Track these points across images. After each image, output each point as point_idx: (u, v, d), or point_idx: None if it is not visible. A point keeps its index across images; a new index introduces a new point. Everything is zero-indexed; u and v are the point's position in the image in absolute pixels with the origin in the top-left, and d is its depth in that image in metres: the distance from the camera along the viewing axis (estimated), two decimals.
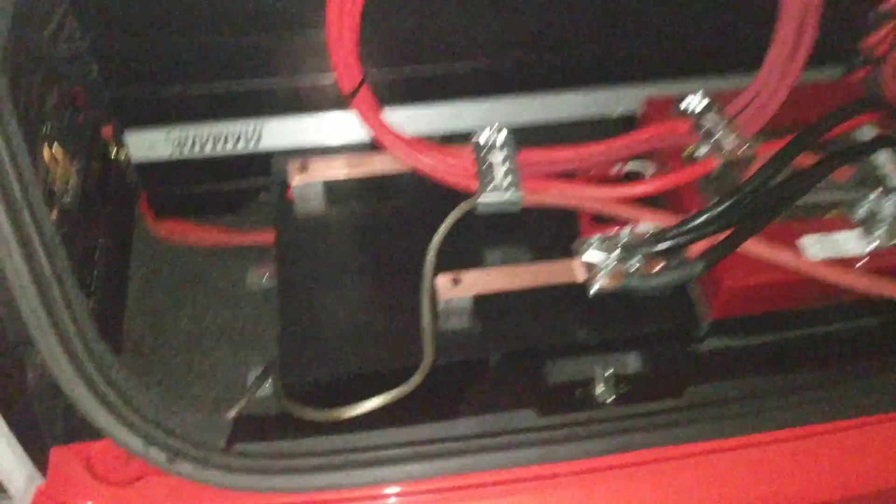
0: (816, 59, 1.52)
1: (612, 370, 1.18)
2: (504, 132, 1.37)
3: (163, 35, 1.32)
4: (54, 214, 1.28)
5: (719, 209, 1.21)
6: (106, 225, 1.47)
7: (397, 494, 1.05)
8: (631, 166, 1.42)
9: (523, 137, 1.41)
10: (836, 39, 1.52)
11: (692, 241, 1.21)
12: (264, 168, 1.45)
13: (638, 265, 1.22)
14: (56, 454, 1.05)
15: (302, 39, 1.32)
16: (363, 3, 1.23)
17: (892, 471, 1.12)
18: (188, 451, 1.05)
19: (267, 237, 1.43)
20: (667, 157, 1.38)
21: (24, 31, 1.17)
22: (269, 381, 1.27)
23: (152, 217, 1.61)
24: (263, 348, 1.45)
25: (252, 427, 1.17)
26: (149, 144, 1.45)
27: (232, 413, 1.18)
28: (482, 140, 1.37)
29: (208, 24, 1.31)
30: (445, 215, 1.28)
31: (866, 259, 1.24)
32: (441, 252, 1.27)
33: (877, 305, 1.27)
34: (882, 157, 1.34)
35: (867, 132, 1.38)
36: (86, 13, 1.27)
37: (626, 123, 1.50)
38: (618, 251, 1.23)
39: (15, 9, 1.10)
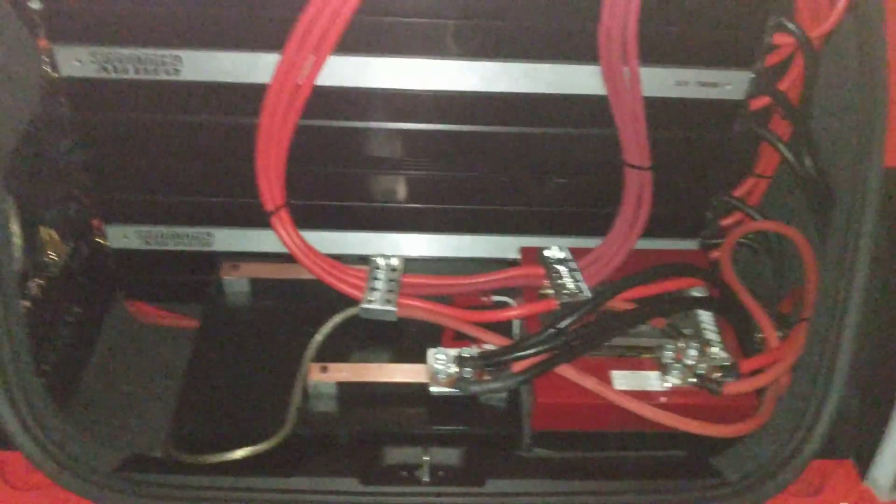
0: (683, 232, 1.86)
1: (432, 458, 1.43)
2: (397, 259, 1.71)
3: (142, 163, 1.72)
4: (42, 281, 1.66)
5: (537, 339, 1.50)
6: (84, 296, 1.83)
7: None
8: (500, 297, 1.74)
9: (422, 266, 1.75)
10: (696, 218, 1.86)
11: (513, 361, 1.49)
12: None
13: (467, 375, 1.50)
14: None
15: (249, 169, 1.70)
16: (289, 143, 1.60)
17: None
18: (78, 469, 1.35)
19: None
20: (527, 293, 1.69)
21: (38, 143, 1.58)
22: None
23: (124, 297, 1.98)
24: None
25: (142, 462, 1.45)
26: (124, 235, 1.83)
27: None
28: (379, 262, 1.70)
29: (177, 164, 1.72)
30: None
31: (666, 396, 1.50)
32: (328, 345, 1.59)
33: (674, 438, 1.51)
34: (699, 316, 1.62)
35: (697, 293, 1.67)
36: (86, 139, 1.67)
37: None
38: (454, 362, 1.52)
39: (28, 127, 1.51)
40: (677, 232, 1.85)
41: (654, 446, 1.54)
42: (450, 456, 1.47)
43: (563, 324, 1.51)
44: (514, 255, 1.83)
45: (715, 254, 1.86)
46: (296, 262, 1.70)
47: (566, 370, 1.49)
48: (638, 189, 1.69)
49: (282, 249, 1.71)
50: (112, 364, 1.91)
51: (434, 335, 1.63)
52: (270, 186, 1.62)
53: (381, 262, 1.70)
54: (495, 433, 1.54)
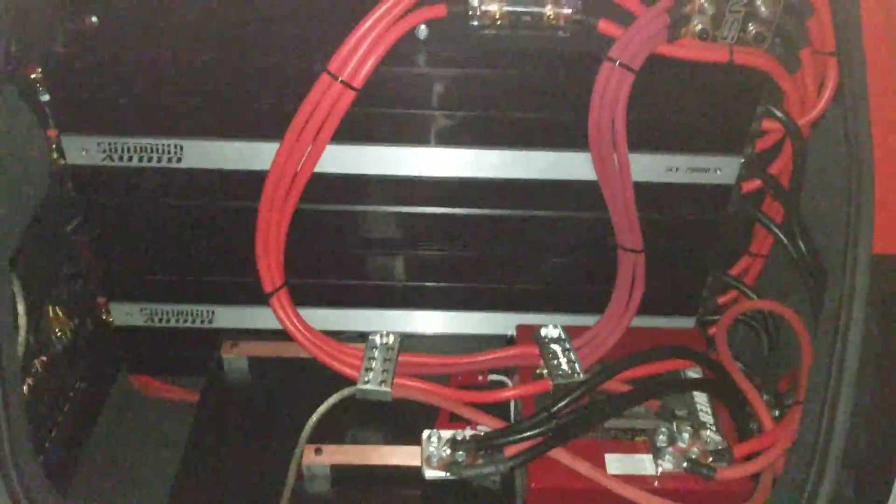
0: (679, 310, 1.87)
1: None
2: (393, 337, 1.73)
3: (145, 244, 1.76)
4: (46, 358, 1.70)
5: (530, 422, 1.50)
6: (88, 372, 1.86)
7: None
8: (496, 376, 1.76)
9: (420, 343, 1.78)
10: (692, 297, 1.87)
11: (505, 445, 1.50)
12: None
13: (460, 458, 1.51)
14: None
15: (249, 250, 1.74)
16: (287, 227, 1.64)
17: None
18: None
19: None
20: (523, 372, 1.70)
21: (47, 226, 1.63)
22: None
23: (128, 371, 2.01)
24: None
25: None
26: (127, 313, 1.86)
27: None
28: (376, 341, 1.72)
29: (180, 245, 1.76)
30: None
31: (659, 480, 1.50)
32: (323, 424, 1.60)
33: None
34: (694, 397, 1.62)
35: (692, 373, 1.68)
36: (91, 221, 1.72)
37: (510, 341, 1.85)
38: (447, 445, 1.53)
39: (36, 211, 1.56)
40: (674, 310, 1.86)
41: None
42: None
43: (556, 407, 1.51)
44: (510, 331, 1.84)
45: (711, 331, 1.87)
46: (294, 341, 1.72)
47: (560, 454, 1.49)
48: (632, 270, 1.71)
49: (281, 327, 1.73)
50: (115, 437, 1.93)
51: (430, 414, 1.64)
52: (269, 269, 1.65)
53: (377, 340, 1.72)
54: None
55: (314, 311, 1.80)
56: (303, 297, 1.75)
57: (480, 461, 1.51)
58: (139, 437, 1.94)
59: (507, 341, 1.86)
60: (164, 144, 1.59)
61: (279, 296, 1.67)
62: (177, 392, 2.02)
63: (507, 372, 1.75)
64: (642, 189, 1.64)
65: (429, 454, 1.53)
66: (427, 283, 1.84)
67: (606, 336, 1.70)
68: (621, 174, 1.59)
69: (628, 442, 1.56)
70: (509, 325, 1.85)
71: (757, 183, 1.70)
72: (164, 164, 1.61)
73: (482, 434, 1.54)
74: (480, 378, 1.75)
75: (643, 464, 1.52)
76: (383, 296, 1.86)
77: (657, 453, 1.52)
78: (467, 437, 1.54)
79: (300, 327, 1.69)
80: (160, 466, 1.84)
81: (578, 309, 1.84)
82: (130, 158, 1.60)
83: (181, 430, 1.83)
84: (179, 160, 1.60)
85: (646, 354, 1.62)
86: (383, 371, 1.66)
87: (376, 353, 1.69)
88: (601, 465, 1.51)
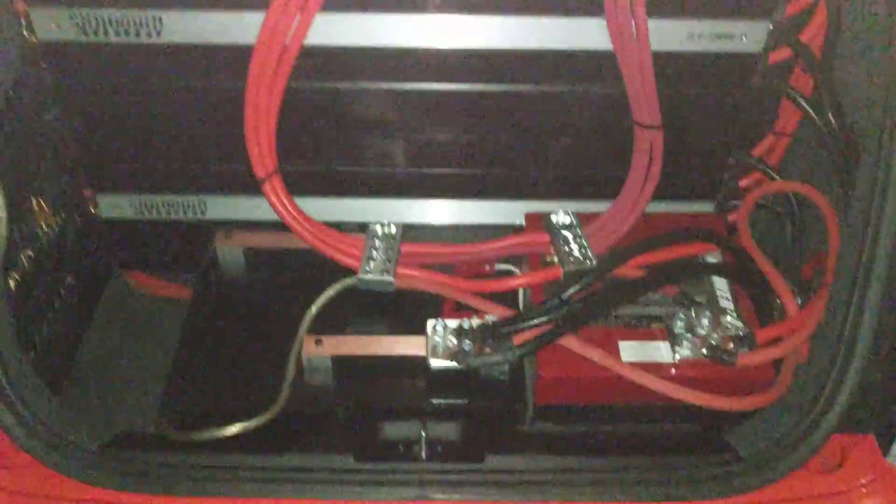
0: (698, 194, 1.77)
1: (430, 433, 1.38)
2: (395, 227, 1.63)
3: (129, 130, 1.66)
4: (33, 253, 1.62)
5: (540, 309, 1.43)
6: (78, 268, 1.78)
7: None
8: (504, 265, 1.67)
9: (423, 234, 1.68)
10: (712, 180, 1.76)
11: (514, 333, 1.42)
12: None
13: (467, 348, 1.44)
14: None
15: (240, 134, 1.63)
16: (279, 106, 1.53)
17: None
18: (64, 448, 1.30)
19: None
20: (532, 262, 1.61)
21: (23, 112, 1.53)
22: None
23: (122, 269, 1.94)
24: None
25: (130, 440, 1.41)
26: (115, 205, 1.77)
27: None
28: (377, 230, 1.63)
29: (166, 131, 1.65)
30: None
31: (676, 368, 1.43)
32: (323, 317, 1.52)
33: (685, 411, 1.43)
34: (714, 283, 1.53)
35: (711, 258, 1.58)
36: (71, 107, 1.62)
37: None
38: (453, 334, 1.45)
39: (9, 91, 1.45)
40: (692, 194, 1.75)
41: (663, 421, 1.47)
42: (448, 431, 1.42)
43: (567, 293, 1.43)
44: (518, 221, 1.74)
45: (732, 217, 1.76)
46: (291, 231, 1.63)
47: (571, 342, 1.41)
48: (648, 150, 1.60)
49: (277, 218, 1.64)
50: (110, 337, 1.87)
51: (434, 306, 1.57)
52: (261, 152, 1.54)
53: (378, 229, 1.63)
54: (496, 408, 1.48)
55: (310, 200, 1.70)
56: (298, 185, 1.64)
57: (488, 350, 1.44)
58: (135, 336, 1.88)
59: (515, 232, 1.76)
60: (140, 16, 1.46)
61: (272, 181, 1.57)
62: (173, 289, 1.94)
63: (515, 262, 1.66)
64: (660, 59, 1.51)
65: (434, 344, 1.46)
66: (429, 170, 1.73)
67: (620, 221, 1.60)
68: (638, 42, 1.46)
69: (644, 329, 1.48)
70: (518, 213, 1.75)
71: (785, 53, 1.57)
72: (142, 38, 1.49)
73: (490, 323, 1.47)
74: (487, 269, 1.66)
75: (659, 351, 1.45)
76: (383, 184, 1.76)
77: (675, 340, 1.44)
78: (474, 326, 1.46)
79: (295, 215, 1.60)
80: (157, 367, 1.79)
81: (591, 195, 1.74)
82: (106, 32, 1.48)
83: (178, 328, 1.78)
84: (158, 34, 1.48)
85: (662, 238, 1.52)
86: (385, 260, 1.57)
87: (377, 243, 1.61)
88: (615, 353, 1.43)
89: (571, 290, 1.43)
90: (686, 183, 1.73)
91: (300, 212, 1.61)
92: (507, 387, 1.49)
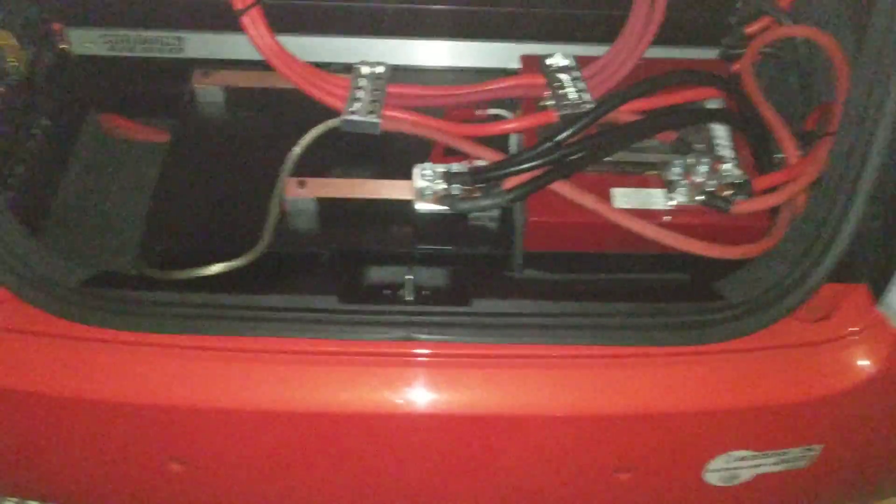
0: (702, 38, 1.68)
1: (416, 277, 1.34)
2: (382, 67, 1.55)
3: None
4: (2, 89, 1.54)
5: (532, 153, 1.37)
6: (51, 108, 1.70)
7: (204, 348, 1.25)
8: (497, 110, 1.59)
9: (412, 76, 1.60)
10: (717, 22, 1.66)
11: (504, 177, 1.37)
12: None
13: (456, 192, 1.39)
14: None
15: None
16: None
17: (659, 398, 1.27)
18: (40, 283, 1.27)
19: None
20: (527, 106, 1.54)
21: None
22: None
23: (98, 111, 1.85)
24: None
25: (109, 278, 1.38)
26: (87, 40, 1.67)
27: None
28: (362, 70, 1.55)
29: None
30: None
31: (670, 214, 1.39)
32: (307, 159, 1.46)
33: (677, 261, 1.40)
34: (713, 130, 1.47)
35: (712, 104, 1.51)
36: None
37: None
38: (441, 178, 1.40)
39: None
40: (695, 38, 1.66)
41: (655, 269, 1.45)
42: (435, 275, 1.39)
43: (561, 136, 1.37)
44: (514, 64, 1.65)
45: (736, 66, 1.68)
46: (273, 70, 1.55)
47: (562, 187, 1.37)
48: None
49: (258, 56, 1.55)
50: (87, 181, 1.80)
51: (422, 151, 1.50)
52: None
53: (365, 69, 1.55)
54: (484, 253, 1.45)
55: (294, 38, 1.60)
56: (281, 21, 1.54)
57: (478, 195, 1.39)
58: (113, 182, 1.81)
59: (509, 75, 1.67)
60: None
61: (251, 14, 1.47)
62: (151, 132, 1.85)
63: (508, 106, 1.59)
64: None
65: (421, 187, 1.41)
66: (420, 6, 1.63)
67: (620, 64, 1.52)
68: None
69: (638, 176, 1.43)
70: (513, 56, 1.65)
71: None
72: None
73: (480, 167, 1.41)
74: (478, 113, 1.59)
75: (653, 198, 1.40)
76: (371, 21, 1.65)
77: (670, 186, 1.40)
78: (463, 170, 1.41)
79: (277, 51, 1.51)
80: (135, 211, 1.74)
81: (591, 37, 1.64)
82: None
83: (157, 172, 1.73)
84: None
85: (662, 79, 1.45)
86: (372, 101, 1.50)
87: (364, 83, 1.53)
88: (607, 199, 1.39)
89: (566, 133, 1.37)
90: (690, 25, 1.64)
91: (282, 48, 1.52)
92: (496, 234, 1.45)
